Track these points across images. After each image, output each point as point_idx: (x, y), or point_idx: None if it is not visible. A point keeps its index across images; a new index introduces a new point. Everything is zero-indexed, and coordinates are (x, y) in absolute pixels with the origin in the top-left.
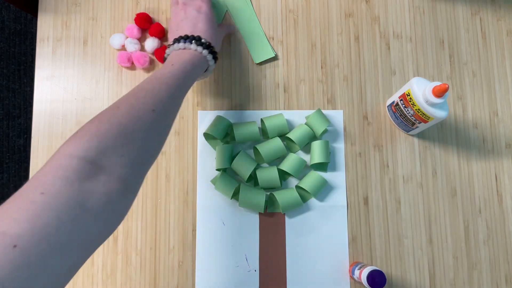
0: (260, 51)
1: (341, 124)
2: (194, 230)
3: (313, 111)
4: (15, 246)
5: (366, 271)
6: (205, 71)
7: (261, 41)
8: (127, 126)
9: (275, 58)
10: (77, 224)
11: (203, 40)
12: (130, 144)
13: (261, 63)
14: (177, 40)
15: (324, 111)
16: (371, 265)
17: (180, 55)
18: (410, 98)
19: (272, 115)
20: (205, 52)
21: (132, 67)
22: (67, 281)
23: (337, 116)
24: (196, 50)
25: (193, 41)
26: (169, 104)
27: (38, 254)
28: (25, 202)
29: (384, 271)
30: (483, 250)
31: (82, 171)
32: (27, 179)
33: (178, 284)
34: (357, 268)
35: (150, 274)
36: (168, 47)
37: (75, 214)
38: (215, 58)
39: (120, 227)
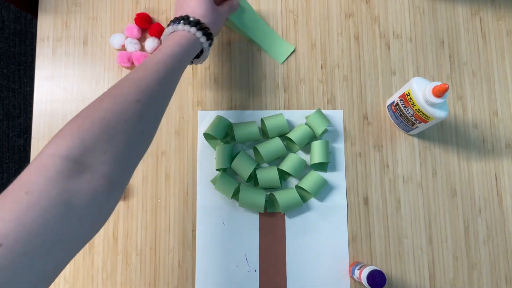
0: (279, 51)
1: (341, 124)
2: (194, 230)
3: (313, 111)
4: (0, 245)
5: (366, 271)
6: (201, 55)
7: (276, 41)
8: (110, 120)
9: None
10: (62, 223)
11: (191, 18)
12: (114, 139)
13: (259, 65)
14: (168, 25)
15: (324, 111)
16: (371, 265)
17: (169, 39)
18: (410, 98)
19: (272, 115)
20: (193, 30)
21: (132, 67)
22: (52, 280)
23: (337, 116)
24: (183, 30)
25: (181, 21)
26: (157, 91)
27: (24, 253)
28: (9, 202)
29: (384, 271)
30: (483, 250)
31: (65, 170)
32: None
33: (178, 284)
34: (357, 268)
35: (150, 274)
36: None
37: (60, 213)
38: (208, 37)
39: (120, 227)
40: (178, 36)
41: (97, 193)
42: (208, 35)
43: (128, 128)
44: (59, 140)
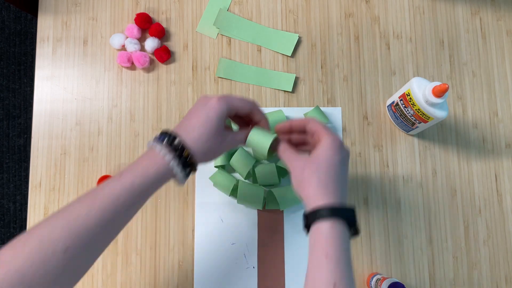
0: (285, 44)
1: (339, 121)
2: (194, 230)
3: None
4: None
5: (386, 283)
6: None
7: (278, 36)
8: (26, 273)
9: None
10: None
11: (175, 142)
12: None
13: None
14: (155, 137)
15: (322, 108)
16: (390, 276)
17: (139, 162)
18: (410, 98)
19: (271, 111)
20: (168, 158)
21: (132, 67)
22: None
23: (335, 113)
24: (160, 153)
25: (165, 140)
26: (95, 237)
27: None
28: None
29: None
30: (483, 250)
31: None
32: (27, 179)
33: (178, 284)
34: (374, 279)
35: (150, 274)
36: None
37: None
38: (186, 168)
39: None
40: (148, 160)
41: None
42: (189, 165)
43: (46, 281)
44: None
